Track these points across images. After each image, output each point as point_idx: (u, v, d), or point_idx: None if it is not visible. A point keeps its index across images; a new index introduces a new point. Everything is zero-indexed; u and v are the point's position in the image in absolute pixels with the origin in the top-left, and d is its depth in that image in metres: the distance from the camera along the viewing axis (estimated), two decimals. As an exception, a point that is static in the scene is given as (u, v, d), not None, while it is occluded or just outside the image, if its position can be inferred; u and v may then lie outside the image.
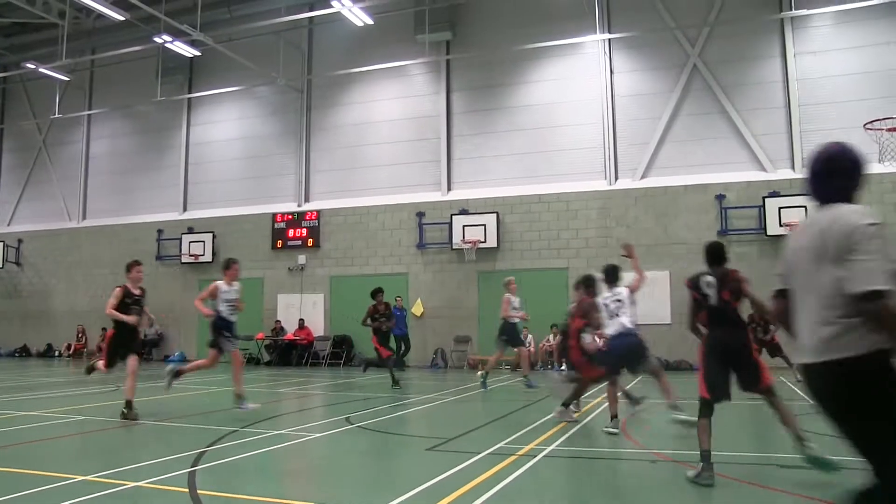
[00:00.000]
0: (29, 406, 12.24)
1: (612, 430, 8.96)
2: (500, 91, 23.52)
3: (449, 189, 23.55)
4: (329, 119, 25.60)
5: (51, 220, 29.91)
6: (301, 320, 24.35)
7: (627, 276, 9.73)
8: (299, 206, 25.38)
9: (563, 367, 20.99)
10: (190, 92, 27.43)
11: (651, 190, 21.44)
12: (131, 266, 11.32)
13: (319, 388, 16.94)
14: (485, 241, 22.29)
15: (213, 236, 26.13)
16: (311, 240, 24.81)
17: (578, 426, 9.68)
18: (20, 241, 30.07)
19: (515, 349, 16.31)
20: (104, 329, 27.31)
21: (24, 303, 29.60)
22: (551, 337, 21.21)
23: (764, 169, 20.61)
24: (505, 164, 23.07)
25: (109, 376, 12.84)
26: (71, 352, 27.88)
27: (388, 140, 24.54)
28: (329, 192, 25.18)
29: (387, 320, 16.21)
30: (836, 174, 3.38)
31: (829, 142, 3.50)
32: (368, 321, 15.98)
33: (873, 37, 20.16)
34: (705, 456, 6.34)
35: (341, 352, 23.67)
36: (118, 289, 11.06)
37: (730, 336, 6.86)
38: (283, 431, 9.42)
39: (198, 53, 23.88)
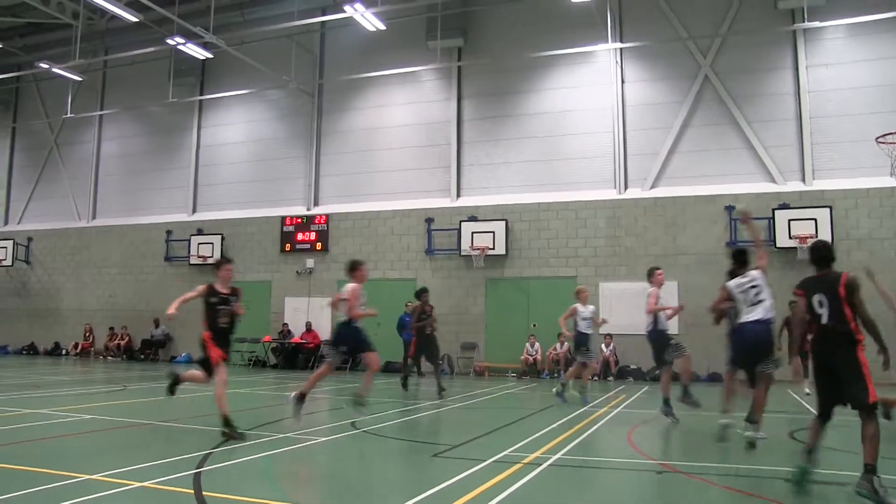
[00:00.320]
0: (36, 404, 12.27)
1: (750, 434, 8.54)
2: (511, 98, 23.53)
3: (458, 195, 23.56)
4: (339, 123, 25.64)
5: (60, 220, 30.02)
6: (308, 324, 24.36)
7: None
8: (308, 209, 25.41)
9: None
10: (201, 94, 27.53)
11: (660, 200, 21.40)
12: (221, 264, 10.20)
13: (326, 391, 16.93)
14: (493, 249, 22.27)
15: (222, 238, 26.18)
16: (319, 243, 24.84)
17: (585, 435, 9.65)
18: (30, 239, 30.19)
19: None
20: (111, 329, 27.53)
21: (33, 301, 29.70)
22: (558, 345, 21.16)
23: (774, 181, 20.55)
24: (514, 171, 23.07)
25: (115, 375, 12.85)
26: (78, 351, 27.97)
27: (398, 145, 24.57)
28: (338, 196, 25.21)
29: (430, 322, 16.04)
30: None
31: None
32: (415, 323, 15.91)
33: (886, 50, 20.10)
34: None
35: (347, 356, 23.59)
36: (204, 285, 9.93)
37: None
38: (288, 435, 9.41)
39: (210, 56, 23.94)
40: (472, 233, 22.50)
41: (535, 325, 21.78)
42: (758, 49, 21.23)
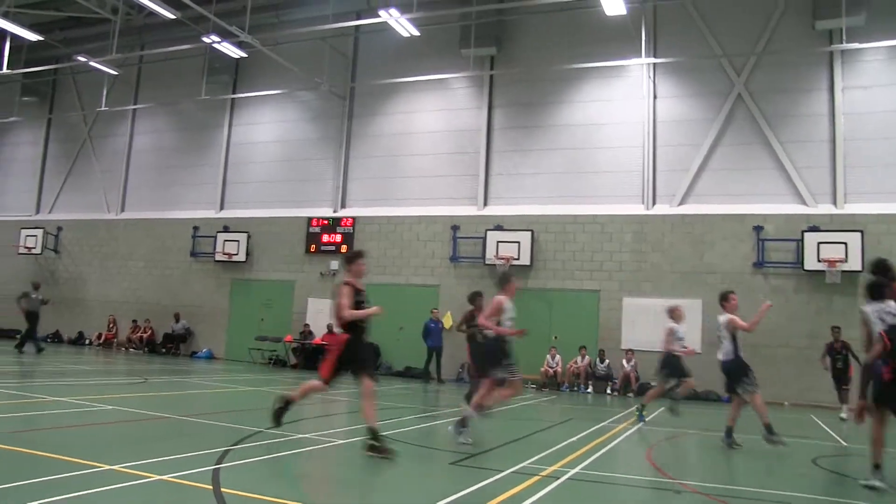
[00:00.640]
0: (59, 392, 12.39)
1: (873, 483, 7.48)
2: (542, 109, 23.48)
3: (485, 204, 23.53)
4: (370, 127, 25.73)
5: (90, 211, 30.32)
6: (329, 325, 24.39)
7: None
8: (335, 211, 25.49)
9: (588, 389, 20.90)
10: (234, 92, 27.73)
11: (688, 217, 21.25)
12: (354, 258, 9.04)
13: (346, 394, 16.94)
14: (518, 259, 22.20)
15: (248, 236, 26.32)
16: (344, 246, 24.89)
17: (604, 450, 9.58)
18: (59, 228, 30.52)
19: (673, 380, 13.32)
20: (134, 321, 27.73)
21: (60, 290, 29.98)
22: (579, 358, 21.08)
23: (804, 202, 20.34)
24: (542, 182, 23.01)
25: (136, 367, 12.94)
26: (101, 341, 28.20)
27: (427, 152, 24.60)
28: (365, 199, 25.26)
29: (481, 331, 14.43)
30: None
31: None
32: (464, 327, 13.94)
33: (924, 75, 19.89)
34: None
35: (367, 359, 23.62)
36: (345, 286, 8.64)
37: None
38: (307, 435, 9.43)
39: (244, 55, 24.12)
40: (498, 242, 22.46)
41: (556, 338, 21.70)
42: (793, 69, 21.03)
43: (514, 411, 14.41)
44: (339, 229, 25.11)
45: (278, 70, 25.33)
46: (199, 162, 28.48)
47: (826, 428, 13.93)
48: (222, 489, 5.97)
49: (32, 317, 22.10)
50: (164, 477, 6.21)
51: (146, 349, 27.06)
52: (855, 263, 19.01)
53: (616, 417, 14.00)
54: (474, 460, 8.29)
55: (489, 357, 9.94)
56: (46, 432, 8.50)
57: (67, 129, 31.77)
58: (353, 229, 24.90)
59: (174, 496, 5.85)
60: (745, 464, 9.22)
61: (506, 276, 10.30)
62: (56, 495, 5.35)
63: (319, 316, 24.78)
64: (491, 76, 24.06)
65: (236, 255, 26.21)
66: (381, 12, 19.93)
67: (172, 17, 21.01)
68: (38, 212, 31.62)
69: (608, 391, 20.73)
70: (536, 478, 7.33)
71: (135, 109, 29.87)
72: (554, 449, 9.28)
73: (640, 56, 21.09)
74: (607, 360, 21.03)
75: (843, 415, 15.38)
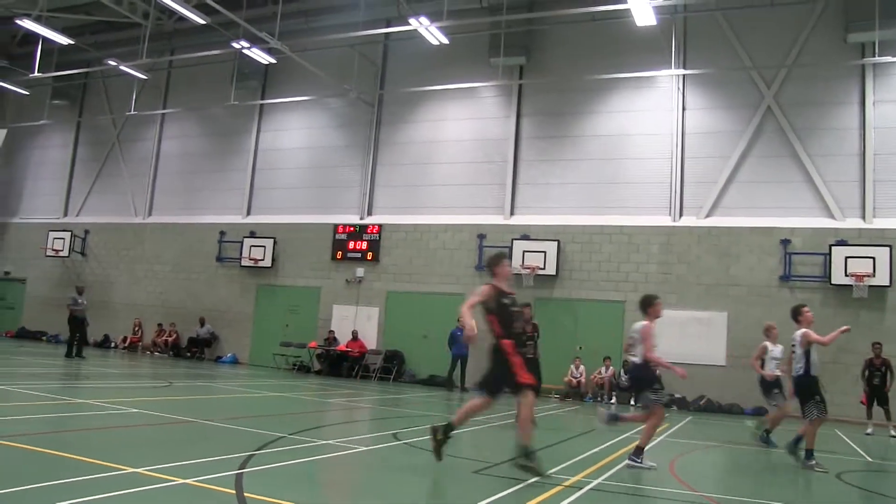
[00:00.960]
0: (85, 394, 12.50)
1: None
2: (570, 119, 23.43)
3: (512, 213, 23.49)
4: (398, 135, 25.79)
5: (118, 214, 30.56)
6: (354, 332, 24.46)
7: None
8: (361, 218, 25.55)
9: (613, 400, 20.78)
10: (263, 98, 27.89)
11: (715, 229, 21.11)
12: (500, 260, 8.42)
13: (369, 401, 16.98)
14: (544, 268, 22.15)
15: (274, 242, 26.44)
16: (370, 253, 24.93)
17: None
18: (87, 232, 30.82)
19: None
20: (160, 325, 27.91)
21: (86, 292, 30.18)
22: (603, 369, 20.97)
23: (833, 216, 20.14)
24: (569, 192, 22.94)
25: (161, 371, 13.03)
26: (126, 344, 28.40)
27: (454, 160, 24.60)
28: (392, 207, 25.30)
29: (531, 343, 13.25)
30: None
31: None
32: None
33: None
34: None
35: (392, 366, 23.69)
36: (486, 286, 8.15)
37: None
38: (330, 442, 9.44)
39: (273, 61, 24.27)
40: (524, 251, 22.41)
41: (580, 348, 21.61)
42: (823, 82, 20.86)
43: (537, 421, 14.35)
44: (365, 236, 25.16)
45: (307, 76, 25.46)
46: (226, 167, 28.67)
47: (851, 443, 13.75)
48: (245, 494, 5.98)
49: (81, 322, 22.16)
50: (187, 480, 6.23)
51: (171, 353, 27.24)
52: (883, 278, 18.86)
53: (639, 429, 13.89)
54: (497, 469, 8.27)
55: (642, 382, 9.47)
56: (71, 434, 8.57)
57: (97, 132, 32.13)
58: (380, 236, 24.95)
59: (197, 500, 5.87)
60: (768, 478, 9.12)
61: (649, 299, 9.57)
62: (80, 496, 5.38)
63: (344, 322, 24.85)
64: (520, 85, 24.05)
65: (262, 260, 26.32)
66: (412, 20, 20.02)
67: (203, 22, 21.18)
68: (65, 214, 31.94)
69: (632, 402, 20.59)
70: (559, 487, 7.28)
71: (163, 114, 30.13)
72: (577, 459, 9.23)
73: (670, 67, 21.02)
74: (631, 372, 20.88)
75: (870, 430, 15.26)
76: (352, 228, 25.42)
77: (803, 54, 20.95)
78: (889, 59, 19.26)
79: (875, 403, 16.00)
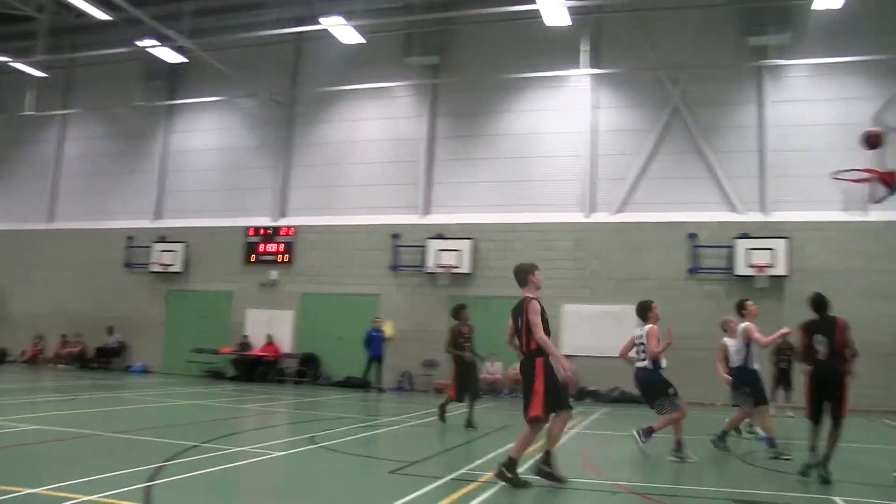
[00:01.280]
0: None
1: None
2: (484, 118, 23.59)
3: (426, 213, 23.51)
4: (311, 135, 25.50)
5: (15, 220, 29.08)
6: (269, 336, 24.10)
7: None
8: (275, 220, 25.16)
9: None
10: (172, 98, 27.09)
11: (626, 225, 21.56)
12: (533, 269, 8.47)
13: (284, 405, 16.77)
14: (459, 267, 22.23)
15: (186, 246, 25.79)
16: (286, 255, 24.59)
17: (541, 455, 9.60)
18: (-20, 239, 29.22)
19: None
20: (63, 336, 26.70)
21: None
22: (517, 365, 21.13)
23: (735, 210, 20.84)
24: (483, 190, 23.08)
25: (65, 384, 12.58)
26: (26, 358, 27.02)
27: (368, 160, 24.46)
28: (307, 208, 24.97)
29: (471, 347, 13.02)
30: None
31: None
32: (451, 348, 12.81)
33: (847, 91, 20.55)
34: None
35: (307, 369, 23.45)
36: (534, 301, 8.04)
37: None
38: (244, 448, 9.28)
39: (183, 60, 23.65)
40: (439, 250, 22.45)
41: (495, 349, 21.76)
42: (725, 83, 21.60)
43: (453, 419, 14.38)
44: (279, 238, 24.79)
45: (218, 76, 24.81)
46: (134, 170, 27.75)
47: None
48: (154, 505, 5.83)
49: None
50: (92, 497, 6.00)
51: (77, 365, 26.17)
52: (781, 268, 19.66)
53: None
54: (414, 468, 8.27)
55: (657, 387, 9.81)
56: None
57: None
58: (294, 238, 24.63)
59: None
60: (679, 464, 9.35)
61: (647, 304, 10.63)
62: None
63: (258, 326, 24.44)
64: (434, 85, 24.05)
65: (173, 265, 25.65)
66: (322, 20, 19.82)
67: (105, 18, 20.36)
68: (-44, 221, 30.18)
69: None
70: (475, 484, 7.34)
71: (64, 115, 28.83)
72: (493, 454, 9.26)
73: (583, 67, 21.33)
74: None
75: (790, 413, 15.89)
76: (266, 231, 25.01)
77: (708, 56, 21.57)
78: (783, 61, 20.42)
79: (779, 387, 16.56)
